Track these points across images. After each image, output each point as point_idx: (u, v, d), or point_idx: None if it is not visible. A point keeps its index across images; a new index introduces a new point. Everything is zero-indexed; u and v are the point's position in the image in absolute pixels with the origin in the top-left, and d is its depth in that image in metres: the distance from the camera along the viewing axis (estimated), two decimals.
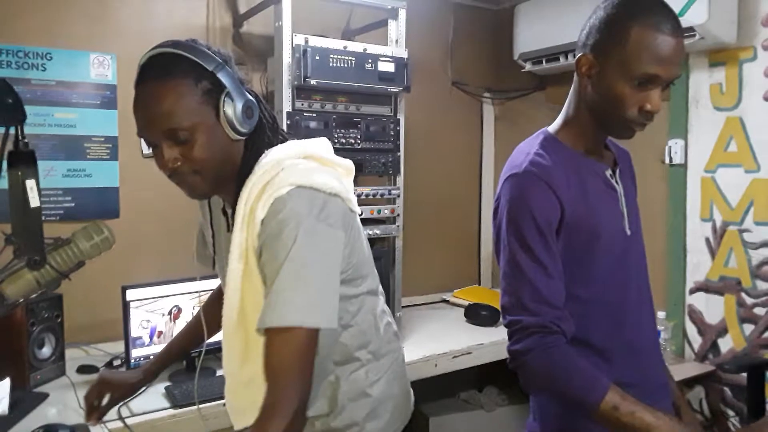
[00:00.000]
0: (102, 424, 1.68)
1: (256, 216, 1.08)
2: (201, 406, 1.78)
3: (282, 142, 1.19)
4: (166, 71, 1.07)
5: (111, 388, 1.42)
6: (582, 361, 1.10)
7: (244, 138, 1.14)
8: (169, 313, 2.03)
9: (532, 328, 1.11)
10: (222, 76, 1.08)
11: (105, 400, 1.41)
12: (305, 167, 1.10)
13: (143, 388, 1.50)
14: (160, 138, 1.09)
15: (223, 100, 1.09)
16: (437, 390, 2.90)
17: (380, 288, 1.35)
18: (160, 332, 2.00)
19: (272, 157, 1.13)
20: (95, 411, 1.40)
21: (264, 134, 1.17)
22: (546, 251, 1.14)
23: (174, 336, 1.57)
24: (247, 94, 1.13)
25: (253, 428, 1.00)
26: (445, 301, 3.23)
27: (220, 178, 1.14)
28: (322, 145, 1.22)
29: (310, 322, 1.03)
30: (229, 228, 1.20)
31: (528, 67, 2.96)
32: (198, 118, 1.07)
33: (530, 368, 1.11)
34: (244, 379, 1.18)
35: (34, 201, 1.03)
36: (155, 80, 1.07)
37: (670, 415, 1.06)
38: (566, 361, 1.09)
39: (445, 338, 2.56)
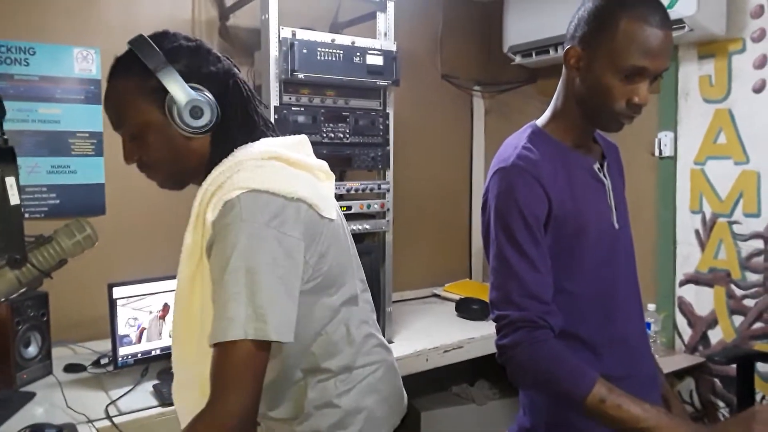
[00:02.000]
0: (90, 423, 1.67)
1: (207, 219, 1.03)
2: None
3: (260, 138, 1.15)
4: (118, 69, 1.10)
5: None
6: (569, 354, 1.10)
7: (205, 134, 1.11)
8: (159, 311, 2.01)
9: (519, 322, 1.10)
10: (162, 76, 1.06)
11: None
12: (266, 170, 1.05)
13: None
14: (120, 133, 1.12)
15: (168, 100, 1.07)
16: (429, 384, 2.90)
17: (364, 295, 1.27)
18: (144, 329, 1.98)
19: (235, 157, 1.08)
20: None
21: (231, 131, 1.13)
22: (534, 245, 1.13)
23: None
24: (196, 91, 1.09)
25: None
26: (436, 295, 3.22)
27: (182, 173, 1.14)
28: (296, 145, 1.16)
29: (256, 335, 0.95)
30: None
31: (518, 60, 2.95)
32: (143, 117, 1.08)
33: (518, 363, 1.11)
34: (187, 380, 1.14)
35: (14, 198, 1.01)
36: (110, 78, 1.11)
37: (658, 407, 1.05)
38: (553, 355, 1.09)
39: (436, 333, 2.55)
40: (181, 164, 1.12)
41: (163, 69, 1.06)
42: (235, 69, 1.17)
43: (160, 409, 1.77)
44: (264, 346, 0.97)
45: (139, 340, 1.97)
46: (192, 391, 1.09)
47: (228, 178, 1.04)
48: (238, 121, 1.14)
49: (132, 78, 1.08)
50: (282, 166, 1.08)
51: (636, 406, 1.03)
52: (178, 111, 1.06)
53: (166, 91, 1.07)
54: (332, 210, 1.13)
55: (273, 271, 0.99)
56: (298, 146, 1.16)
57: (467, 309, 2.80)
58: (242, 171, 1.03)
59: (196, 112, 1.07)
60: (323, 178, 1.17)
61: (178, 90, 1.06)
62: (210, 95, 1.10)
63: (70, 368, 2.05)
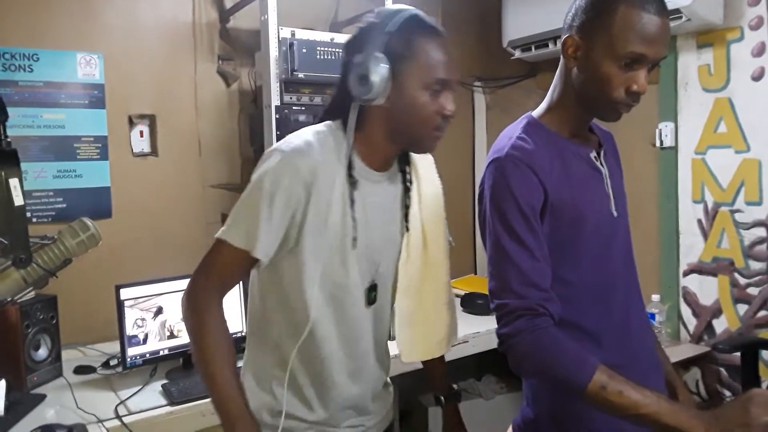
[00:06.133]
0: (100, 423, 1.69)
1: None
2: (198, 402, 1.80)
3: None
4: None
5: None
6: (570, 342, 1.10)
7: None
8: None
9: (519, 310, 1.11)
10: None
11: None
12: None
13: None
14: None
15: None
16: None
17: None
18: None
19: None
20: None
21: None
22: (530, 234, 1.14)
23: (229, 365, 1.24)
24: None
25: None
26: None
27: None
28: None
29: None
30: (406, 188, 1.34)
31: (517, 54, 2.96)
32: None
33: (519, 351, 1.11)
34: (412, 317, 1.36)
35: (18, 199, 1.03)
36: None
37: (659, 393, 1.06)
38: (554, 342, 1.09)
39: None
40: None
41: None
42: None
43: (169, 408, 1.78)
44: None
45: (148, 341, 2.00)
46: (413, 327, 1.35)
47: None
48: None
49: None
50: None
51: (637, 393, 1.03)
52: None
53: None
54: None
55: None
56: None
57: (472, 304, 2.80)
58: None
59: None
60: None
61: None
62: None
63: (80, 370, 2.07)
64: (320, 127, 1.24)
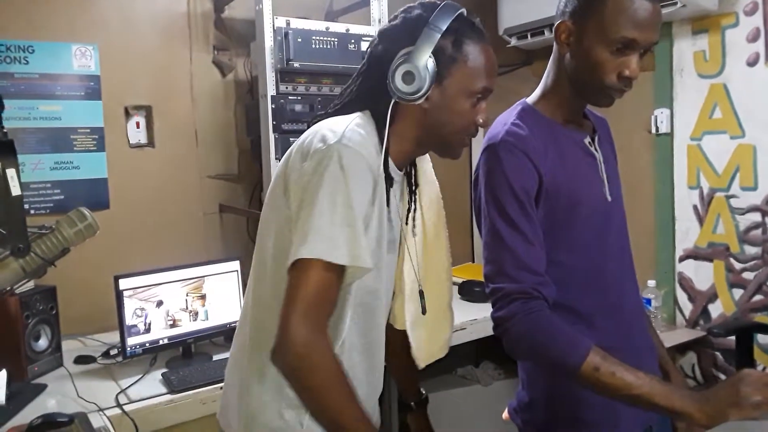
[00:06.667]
0: (101, 412, 1.70)
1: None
2: (198, 390, 1.81)
3: None
4: None
5: None
6: (564, 325, 1.11)
7: None
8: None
9: (514, 294, 1.12)
10: None
11: None
12: None
13: None
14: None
15: None
16: (434, 367, 2.90)
17: None
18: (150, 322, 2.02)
19: None
20: None
21: None
22: (525, 218, 1.15)
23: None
24: None
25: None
26: None
27: None
28: None
29: None
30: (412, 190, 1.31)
31: (513, 42, 2.96)
32: None
33: (513, 334, 1.12)
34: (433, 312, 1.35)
35: (15, 189, 1.04)
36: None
37: (651, 375, 1.07)
38: (548, 325, 1.10)
39: None
40: None
41: None
42: None
43: (169, 396, 1.80)
44: None
45: (148, 330, 2.01)
46: (419, 331, 1.34)
47: None
48: None
49: None
50: None
51: (629, 374, 1.04)
52: None
53: None
54: None
55: None
56: None
57: (470, 291, 2.82)
58: None
59: None
60: None
61: None
62: None
63: (81, 360, 2.09)
64: (357, 119, 1.11)
